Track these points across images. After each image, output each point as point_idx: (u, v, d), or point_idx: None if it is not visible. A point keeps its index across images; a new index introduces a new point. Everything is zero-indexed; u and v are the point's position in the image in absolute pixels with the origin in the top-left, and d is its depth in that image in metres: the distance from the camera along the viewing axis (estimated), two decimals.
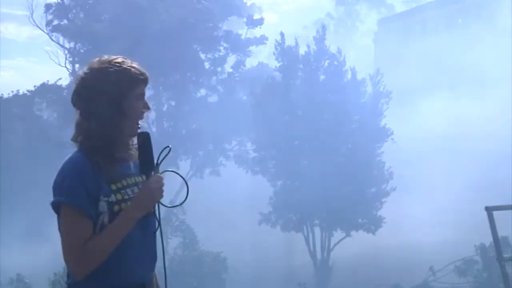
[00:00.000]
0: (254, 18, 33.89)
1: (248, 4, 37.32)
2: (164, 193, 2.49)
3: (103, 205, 2.42)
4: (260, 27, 33.77)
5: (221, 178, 32.30)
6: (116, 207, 2.43)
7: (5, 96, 30.62)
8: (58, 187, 2.42)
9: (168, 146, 2.53)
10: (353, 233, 25.30)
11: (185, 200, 2.90)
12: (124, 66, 2.51)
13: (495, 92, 38.08)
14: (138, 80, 2.51)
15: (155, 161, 2.51)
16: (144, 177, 2.53)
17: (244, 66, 32.90)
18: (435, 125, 37.81)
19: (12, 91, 30.58)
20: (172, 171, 2.60)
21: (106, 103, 2.45)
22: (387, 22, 49.25)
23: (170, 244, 26.18)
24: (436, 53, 39.16)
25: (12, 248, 22.32)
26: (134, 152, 2.55)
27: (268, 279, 25.44)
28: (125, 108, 2.47)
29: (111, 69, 2.48)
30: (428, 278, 23.47)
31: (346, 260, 25.23)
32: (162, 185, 2.47)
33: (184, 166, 30.99)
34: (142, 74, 2.53)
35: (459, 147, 34.99)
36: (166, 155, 2.54)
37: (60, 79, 31.12)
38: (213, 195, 33.14)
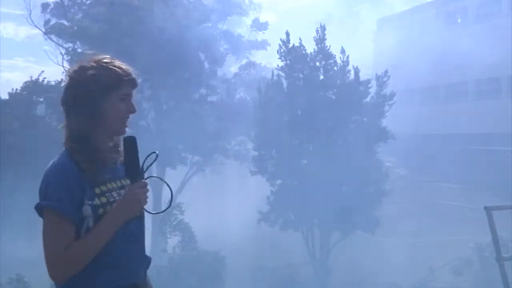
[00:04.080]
0: (260, 22, 33.85)
1: (247, 2, 37.28)
2: (148, 199, 2.46)
3: (87, 209, 2.37)
4: (264, 33, 33.83)
5: (221, 177, 32.33)
6: (100, 210, 2.39)
7: (5, 95, 30.61)
8: (43, 191, 2.39)
9: (155, 152, 2.48)
10: (352, 232, 25.30)
11: (169, 206, 2.84)
12: (110, 65, 2.46)
13: (495, 92, 38.05)
14: (122, 81, 2.45)
15: (141, 166, 2.44)
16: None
17: (254, 68, 32.74)
18: (435, 125, 37.83)
19: (14, 89, 30.52)
20: (157, 177, 2.56)
21: (87, 103, 2.41)
22: (386, 22, 49.22)
23: (169, 243, 26.20)
24: (435, 53, 39.11)
25: (12, 248, 22.33)
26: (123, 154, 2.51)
27: (267, 279, 25.43)
28: (108, 108, 2.42)
29: (96, 68, 2.44)
30: (427, 278, 23.50)
31: (345, 260, 25.25)
32: (147, 191, 2.44)
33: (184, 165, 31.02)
34: (128, 75, 2.48)
35: (458, 147, 34.99)
36: (153, 162, 2.49)
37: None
38: (212, 194, 33.16)
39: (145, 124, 29.99)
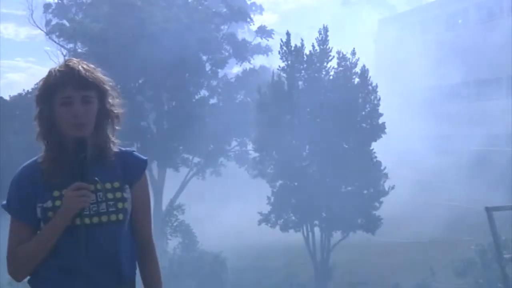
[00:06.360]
0: (267, 29, 33.71)
1: (249, 3, 37.25)
2: (86, 202, 2.33)
3: (38, 211, 2.39)
4: (268, 40, 33.55)
5: (221, 178, 32.30)
6: (50, 213, 2.36)
7: (5, 96, 30.71)
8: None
9: (83, 139, 2.37)
10: (352, 233, 25.28)
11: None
12: (54, 69, 2.43)
13: (496, 93, 38.06)
14: (58, 84, 2.37)
15: (84, 169, 2.35)
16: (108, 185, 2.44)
17: (256, 73, 32.53)
18: (436, 125, 37.79)
19: (24, 90, 30.65)
20: (97, 180, 2.39)
21: (39, 110, 2.44)
22: (387, 22, 49.19)
23: (169, 245, 26.21)
24: (436, 53, 39.11)
25: None
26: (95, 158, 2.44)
27: (268, 280, 25.43)
28: (55, 113, 2.39)
29: (47, 77, 2.43)
30: (428, 279, 23.46)
31: (345, 260, 25.24)
32: (79, 194, 2.31)
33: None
34: (64, 76, 2.37)
35: (458, 147, 34.97)
36: (83, 152, 2.36)
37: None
38: (213, 195, 33.15)
39: (146, 125, 30.00)
